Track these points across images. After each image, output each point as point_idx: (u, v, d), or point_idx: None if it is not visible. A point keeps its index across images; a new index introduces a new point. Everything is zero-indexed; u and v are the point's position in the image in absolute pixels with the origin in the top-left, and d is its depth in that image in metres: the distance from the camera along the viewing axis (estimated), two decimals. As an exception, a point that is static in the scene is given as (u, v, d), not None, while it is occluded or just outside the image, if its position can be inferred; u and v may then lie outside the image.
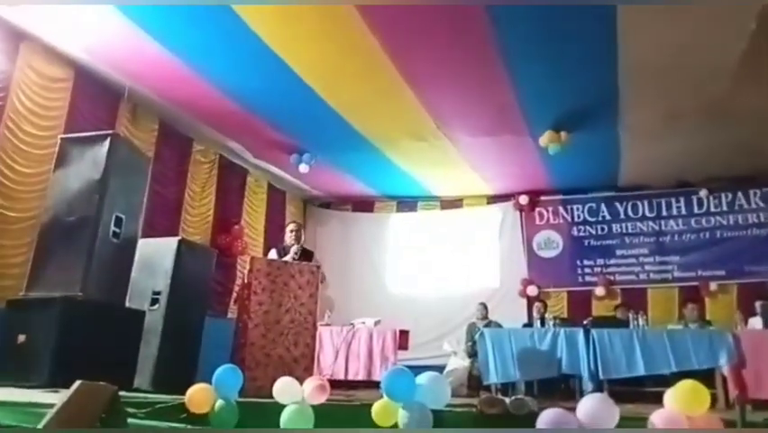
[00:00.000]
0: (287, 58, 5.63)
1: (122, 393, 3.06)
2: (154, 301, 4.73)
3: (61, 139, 4.50)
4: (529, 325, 7.66)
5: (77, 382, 3.00)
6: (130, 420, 2.87)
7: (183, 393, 3.01)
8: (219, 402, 2.96)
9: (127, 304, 4.59)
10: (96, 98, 6.19)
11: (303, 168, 8.07)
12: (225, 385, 3.02)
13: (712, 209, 8.79)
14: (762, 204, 8.55)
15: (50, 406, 2.52)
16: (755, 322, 5.91)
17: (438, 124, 7.10)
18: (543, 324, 6.94)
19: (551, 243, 9.55)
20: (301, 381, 3.07)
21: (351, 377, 6.73)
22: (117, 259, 4.33)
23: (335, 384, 6.39)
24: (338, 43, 5.42)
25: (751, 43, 5.11)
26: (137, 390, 4.05)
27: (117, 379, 2.87)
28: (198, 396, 2.99)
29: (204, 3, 4.71)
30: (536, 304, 8.17)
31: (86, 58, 5.83)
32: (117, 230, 4.29)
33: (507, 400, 2.80)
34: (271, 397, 2.98)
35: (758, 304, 5.87)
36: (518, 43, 5.27)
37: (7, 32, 5.28)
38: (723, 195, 8.74)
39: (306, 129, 7.36)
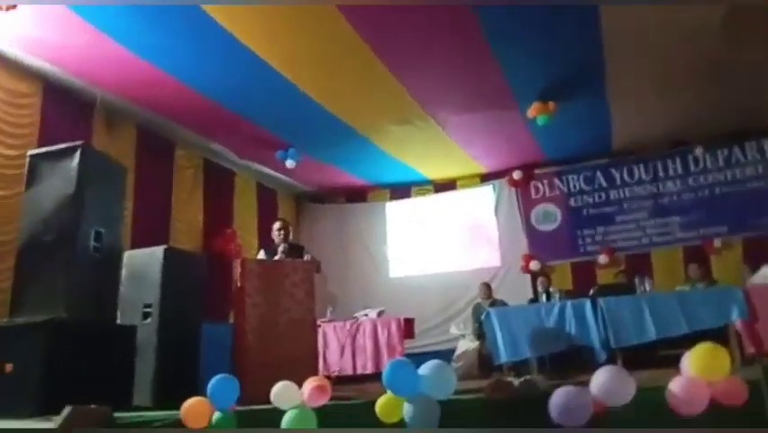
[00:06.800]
0: (260, 52, 5.50)
1: (120, 413, 2.92)
2: (146, 315, 4.56)
3: (30, 156, 4.29)
4: (535, 300, 7.56)
5: (66, 409, 2.86)
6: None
7: (186, 406, 2.86)
8: (216, 414, 2.82)
9: (119, 320, 4.42)
10: (67, 111, 6.00)
11: (290, 163, 7.91)
12: (221, 396, 2.87)
13: (709, 166, 8.62)
14: (758, 156, 8.37)
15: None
16: (763, 275, 5.77)
17: (423, 105, 6.92)
18: (548, 298, 6.81)
19: (549, 216, 9.40)
20: (304, 381, 2.90)
21: (359, 372, 6.61)
22: (101, 274, 4.14)
23: (344, 380, 6.28)
24: (314, 34, 5.28)
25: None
26: (137, 408, 3.89)
27: (114, 399, 2.73)
28: (194, 410, 2.84)
29: (169, 2, 4.55)
30: (540, 279, 8.09)
31: (53, 69, 5.64)
32: (97, 244, 4.09)
33: (516, 381, 2.65)
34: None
35: None
36: (499, 14, 5.09)
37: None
38: (719, 151, 8.55)
39: (290, 124, 7.20)
